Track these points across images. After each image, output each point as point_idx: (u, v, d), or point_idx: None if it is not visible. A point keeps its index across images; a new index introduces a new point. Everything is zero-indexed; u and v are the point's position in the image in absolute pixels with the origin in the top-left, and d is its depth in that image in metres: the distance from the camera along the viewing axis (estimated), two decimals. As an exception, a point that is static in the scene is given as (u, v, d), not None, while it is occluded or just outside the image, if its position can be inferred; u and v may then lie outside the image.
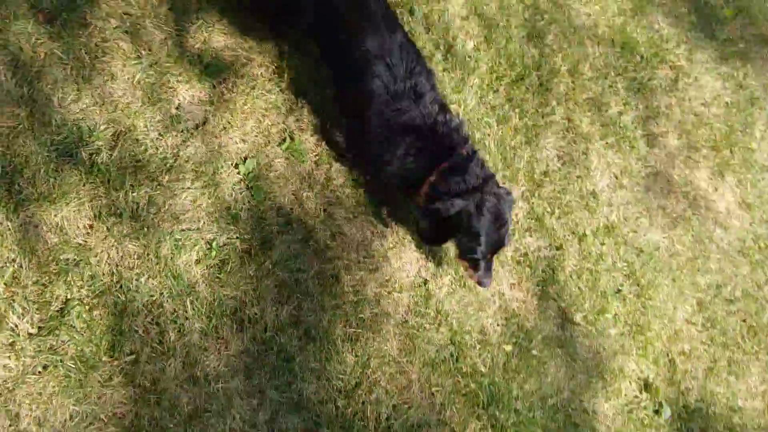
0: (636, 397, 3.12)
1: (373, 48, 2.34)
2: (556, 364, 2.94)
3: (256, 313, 2.48)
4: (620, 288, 3.35)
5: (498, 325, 2.91)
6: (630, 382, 3.11)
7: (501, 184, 2.52)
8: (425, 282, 2.86)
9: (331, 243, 2.72)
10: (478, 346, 2.85)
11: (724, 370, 3.46)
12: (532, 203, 3.22)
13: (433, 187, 2.44)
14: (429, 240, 2.64)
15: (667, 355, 3.30)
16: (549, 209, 3.25)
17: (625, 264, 3.39)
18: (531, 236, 3.19)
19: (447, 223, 2.43)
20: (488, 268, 2.54)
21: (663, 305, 3.41)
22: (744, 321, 3.62)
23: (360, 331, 2.66)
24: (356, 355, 2.63)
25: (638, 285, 3.38)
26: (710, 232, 3.66)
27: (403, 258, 2.86)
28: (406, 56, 2.38)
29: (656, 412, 3.13)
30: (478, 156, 2.48)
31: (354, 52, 2.36)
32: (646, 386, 3.16)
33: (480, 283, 2.60)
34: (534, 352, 2.92)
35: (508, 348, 2.91)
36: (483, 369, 2.84)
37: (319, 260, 2.66)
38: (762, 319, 3.65)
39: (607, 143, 3.54)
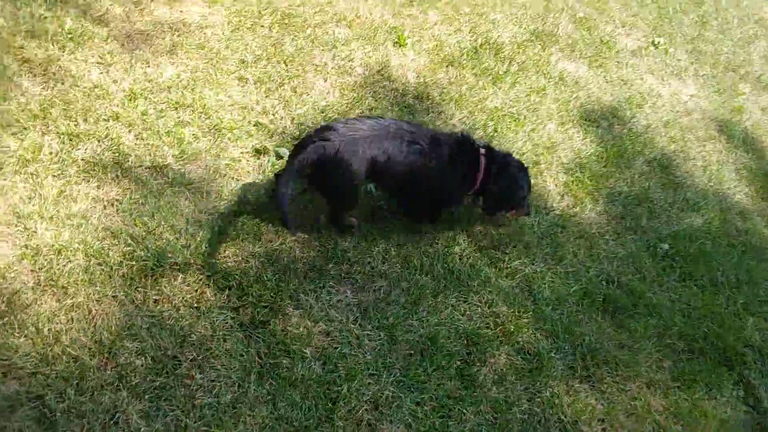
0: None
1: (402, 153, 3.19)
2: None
3: None
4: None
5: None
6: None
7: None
8: None
9: None
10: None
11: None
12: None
13: (485, 179, 3.42)
14: (495, 211, 3.65)
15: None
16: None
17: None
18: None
19: (502, 195, 3.50)
20: (528, 204, 3.69)
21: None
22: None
23: None
24: None
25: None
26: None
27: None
28: (410, 130, 3.21)
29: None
30: (489, 145, 3.50)
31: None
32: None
33: (528, 214, 3.76)
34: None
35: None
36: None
37: None
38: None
39: None
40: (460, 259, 3.60)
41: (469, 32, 5.09)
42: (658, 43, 6.02)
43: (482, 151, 3.41)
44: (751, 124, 5.54)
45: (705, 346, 3.66)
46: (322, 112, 4.02)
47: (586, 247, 3.95)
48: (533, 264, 3.73)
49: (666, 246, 4.12)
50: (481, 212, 3.71)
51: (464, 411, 2.98)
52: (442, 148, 3.25)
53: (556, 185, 4.24)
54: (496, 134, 4.38)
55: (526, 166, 3.58)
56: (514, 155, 3.57)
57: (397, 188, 3.38)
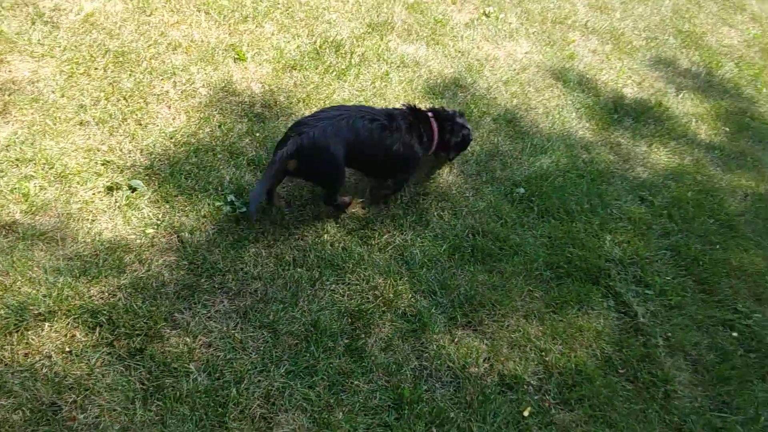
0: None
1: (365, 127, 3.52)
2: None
3: None
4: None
5: None
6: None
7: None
8: None
9: None
10: None
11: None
12: None
13: (440, 138, 3.95)
14: (456, 155, 4.21)
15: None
16: None
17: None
18: None
19: (460, 143, 4.08)
20: None
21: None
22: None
23: None
24: None
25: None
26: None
27: None
28: (368, 112, 3.57)
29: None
30: (433, 108, 4.02)
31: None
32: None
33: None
34: None
35: None
36: None
37: None
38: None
39: None
40: (331, 245, 3.70)
41: (307, 36, 5.23)
42: (489, 12, 6.37)
43: (430, 114, 3.89)
44: (583, 67, 5.97)
45: (570, 269, 3.93)
46: (171, 138, 4.02)
47: (449, 209, 4.15)
48: (402, 234, 3.89)
49: (522, 190, 4.39)
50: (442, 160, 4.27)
51: (357, 382, 3.08)
52: (398, 121, 3.64)
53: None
54: (348, 124, 4.50)
55: (463, 111, 4.19)
56: (445, 106, 4.13)
57: (370, 162, 3.69)
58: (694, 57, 6.82)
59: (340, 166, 3.51)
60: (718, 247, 4.33)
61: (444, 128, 3.91)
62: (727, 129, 5.72)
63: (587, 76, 5.90)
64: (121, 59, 4.46)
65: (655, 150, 5.16)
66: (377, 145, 3.55)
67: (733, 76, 6.72)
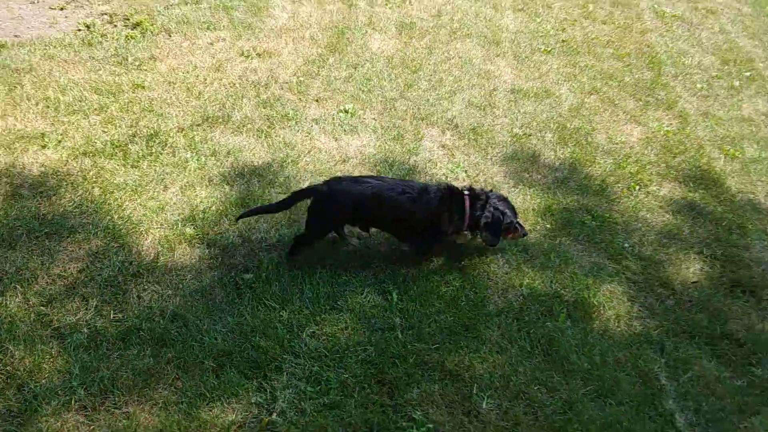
0: None
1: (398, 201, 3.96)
2: None
3: None
4: None
5: None
6: None
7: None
8: None
9: None
10: None
11: None
12: None
13: (472, 215, 4.04)
14: (495, 241, 4.16)
15: None
16: None
17: None
18: None
19: (493, 225, 4.01)
20: (521, 225, 4.22)
21: None
22: None
23: None
24: None
25: None
26: None
27: None
28: (406, 185, 4.02)
29: None
30: (471, 186, 4.14)
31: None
32: None
33: (525, 235, 4.28)
34: None
35: None
36: None
37: None
38: None
39: None
40: (6, 308, 3.62)
41: (129, 126, 5.40)
42: (348, 109, 6.33)
43: (466, 193, 4.03)
44: (416, 160, 5.71)
45: (241, 360, 3.60)
46: None
47: (156, 291, 3.97)
48: (85, 312, 3.74)
49: (249, 276, 4.14)
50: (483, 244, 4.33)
51: None
52: (430, 196, 3.91)
53: (153, 239, 4.33)
54: (104, 208, 4.52)
55: (505, 196, 4.22)
56: (492, 190, 4.24)
57: (394, 228, 4.09)
58: (563, 153, 6.35)
59: (329, 226, 4.11)
60: (436, 346, 3.80)
61: (475, 207, 4.02)
62: (549, 225, 5.19)
63: (416, 169, 5.64)
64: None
65: (438, 243, 4.73)
66: (405, 215, 3.90)
67: (601, 173, 6.17)
